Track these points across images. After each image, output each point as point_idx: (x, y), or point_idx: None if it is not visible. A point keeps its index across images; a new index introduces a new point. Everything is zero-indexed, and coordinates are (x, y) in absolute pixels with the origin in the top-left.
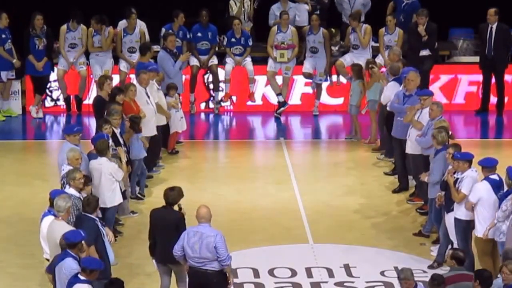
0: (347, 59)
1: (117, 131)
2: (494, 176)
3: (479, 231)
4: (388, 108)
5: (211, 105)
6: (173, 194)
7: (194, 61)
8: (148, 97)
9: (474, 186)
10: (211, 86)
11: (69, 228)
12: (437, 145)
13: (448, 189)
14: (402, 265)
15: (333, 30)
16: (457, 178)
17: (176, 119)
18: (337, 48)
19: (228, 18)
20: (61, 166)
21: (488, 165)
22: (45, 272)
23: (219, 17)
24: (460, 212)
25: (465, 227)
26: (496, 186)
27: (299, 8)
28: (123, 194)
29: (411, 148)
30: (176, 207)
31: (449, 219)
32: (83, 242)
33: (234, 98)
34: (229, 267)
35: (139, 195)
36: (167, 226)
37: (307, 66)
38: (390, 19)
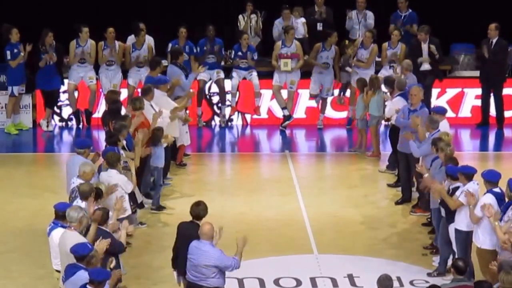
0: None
1: (124, 143)
2: (497, 189)
3: (482, 242)
4: (393, 123)
5: (214, 123)
6: (198, 209)
7: (201, 75)
8: (154, 110)
9: (479, 200)
10: (213, 98)
11: (81, 238)
12: (444, 159)
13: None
14: (405, 275)
15: (346, 41)
16: (458, 186)
17: (183, 132)
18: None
19: (237, 32)
20: (70, 179)
21: (493, 180)
22: (61, 286)
23: (226, 32)
24: (460, 223)
25: (465, 238)
26: (499, 199)
27: (296, 21)
28: (140, 204)
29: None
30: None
31: (450, 230)
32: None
33: (248, 116)
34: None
35: (155, 208)
36: (189, 240)
37: (313, 87)
38: (396, 33)
